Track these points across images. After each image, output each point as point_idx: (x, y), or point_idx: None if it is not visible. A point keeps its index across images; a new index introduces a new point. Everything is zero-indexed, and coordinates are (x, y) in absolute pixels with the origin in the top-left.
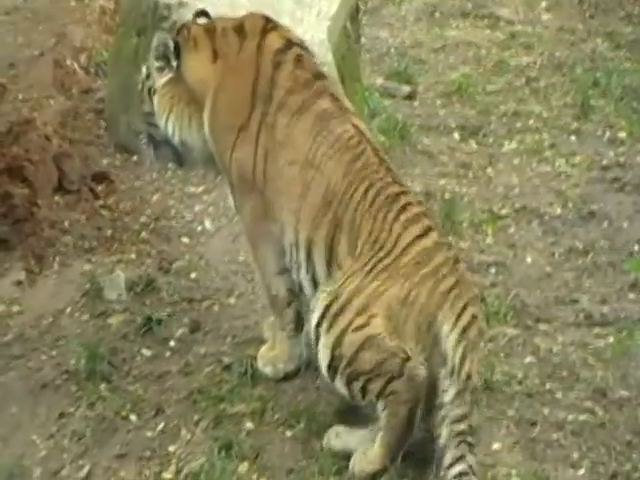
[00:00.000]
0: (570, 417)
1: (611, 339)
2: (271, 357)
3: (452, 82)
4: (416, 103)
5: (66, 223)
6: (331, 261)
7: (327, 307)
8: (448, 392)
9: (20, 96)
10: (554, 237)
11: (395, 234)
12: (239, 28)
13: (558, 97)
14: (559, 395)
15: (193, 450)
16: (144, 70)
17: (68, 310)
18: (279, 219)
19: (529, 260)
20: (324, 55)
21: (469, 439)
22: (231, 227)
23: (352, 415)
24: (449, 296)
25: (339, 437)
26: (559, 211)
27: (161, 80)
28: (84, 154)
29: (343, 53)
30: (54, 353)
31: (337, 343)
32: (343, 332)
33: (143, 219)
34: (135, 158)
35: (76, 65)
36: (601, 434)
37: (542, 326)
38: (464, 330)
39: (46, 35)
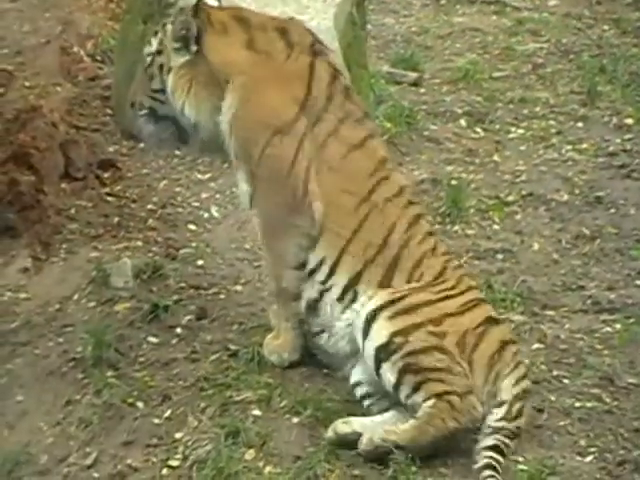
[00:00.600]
0: (577, 404)
1: (618, 326)
2: (276, 346)
3: (458, 69)
4: (422, 90)
5: (72, 210)
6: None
7: (391, 302)
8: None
9: (27, 83)
10: (561, 224)
11: (457, 276)
12: (282, 31)
13: (565, 84)
14: (566, 382)
15: (200, 437)
16: (155, 46)
17: (75, 297)
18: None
19: (536, 247)
20: (330, 42)
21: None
22: (237, 214)
23: (359, 404)
24: (509, 348)
25: (348, 423)
26: (566, 197)
27: (179, 60)
28: (90, 141)
29: (349, 40)
30: (61, 340)
31: (401, 333)
32: (414, 327)
33: (150, 206)
34: (142, 145)
35: (82, 52)
36: (609, 421)
37: (549, 313)
38: (518, 381)
39: (52, 22)
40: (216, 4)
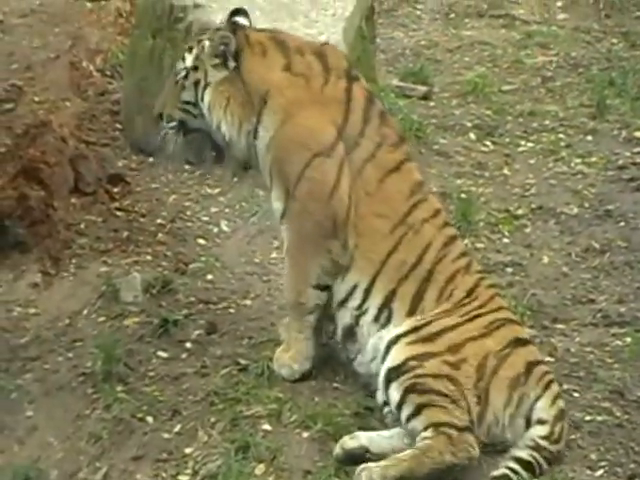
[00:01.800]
0: (588, 417)
1: (628, 339)
2: (287, 358)
3: (468, 82)
4: (432, 103)
5: (82, 225)
6: (412, 310)
7: (415, 328)
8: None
9: (36, 98)
10: (571, 237)
11: (488, 294)
12: (319, 55)
13: (574, 97)
14: (576, 395)
15: (210, 452)
16: (190, 61)
17: (84, 312)
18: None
19: (546, 260)
20: None
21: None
22: (247, 229)
23: (369, 418)
24: (537, 369)
25: (355, 438)
26: (576, 211)
27: (217, 76)
28: (100, 156)
29: (358, 54)
30: (70, 355)
31: (416, 358)
32: (430, 355)
33: (159, 221)
34: (151, 159)
35: (92, 67)
36: (619, 435)
37: (559, 326)
38: (554, 401)
39: (62, 37)
40: (247, 24)
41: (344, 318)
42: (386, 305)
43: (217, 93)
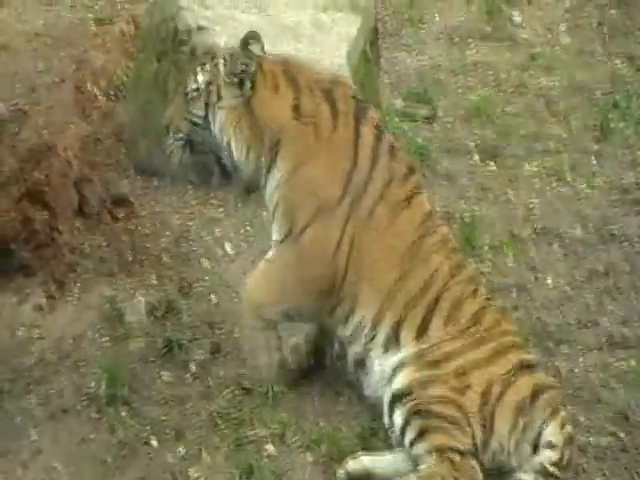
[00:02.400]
0: (592, 440)
1: (633, 362)
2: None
3: (472, 104)
4: (435, 125)
5: (86, 247)
6: (419, 336)
7: (421, 353)
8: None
9: (41, 121)
10: (575, 259)
11: (494, 319)
12: (328, 94)
13: (578, 119)
14: (581, 418)
15: (214, 474)
16: (203, 78)
17: (89, 334)
18: (348, 296)
19: (550, 282)
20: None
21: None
22: (251, 250)
23: (374, 440)
24: (544, 393)
25: (357, 460)
26: (580, 233)
27: (231, 96)
28: (104, 178)
29: (362, 76)
30: (75, 377)
31: (421, 384)
32: (436, 380)
33: (163, 243)
34: (156, 182)
35: (96, 90)
36: (623, 458)
37: (563, 348)
38: (563, 426)
39: (67, 61)
40: (260, 48)
41: (354, 351)
42: (394, 334)
43: (229, 113)
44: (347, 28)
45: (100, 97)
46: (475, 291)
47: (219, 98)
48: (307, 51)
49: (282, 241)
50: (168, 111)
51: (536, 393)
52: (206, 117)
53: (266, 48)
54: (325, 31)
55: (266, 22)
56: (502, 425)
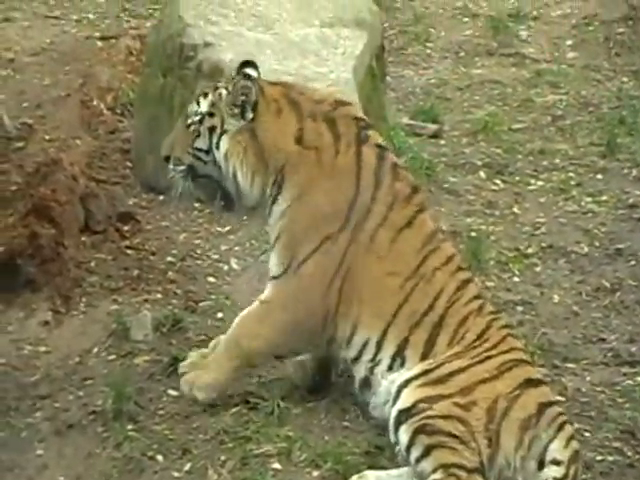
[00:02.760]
0: (599, 457)
1: (639, 378)
2: (207, 382)
3: (478, 120)
4: (442, 142)
5: (92, 263)
6: (425, 355)
7: (426, 371)
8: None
9: (47, 136)
10: (581, 276)
11: (500, 335)
12: (331, 123)
13: (584, 135)
14: (588, 435)
15: None
16: (205, 106)
17: (95, 350)
18: (347, 320)
19: (556, 299)
20: (349, 94)
21: None
22: (257, 267)
23: (380, 457)
24: (550, 410)
25: (363, 477)
26: (586, 249)
27: (235, 125)
28: (110, 194)
29: (368, 92)
30: (81, 393)
31: (426, 400)
32: (441, 397)
33: (169, 259)
34: (162, 198)
35: (102, 105)
36: (630, 475)
37: (570, 365)
38: (568, 442)
39: (73, 76)
40: (255, 75)
41: (359, 371)
42: (399, 353)
43: (234, 142)
44: (353, 44)
45: (106, 112)
46: (481, 308)
47: (223, 129)
48: (313, 67)
49: (280, 276)
50: (167, 141)
51: (542, 409)
52: (210, 150)
53: (273, 65)
54: (331, 47)
55: (272, 38)
56: (508, 441)
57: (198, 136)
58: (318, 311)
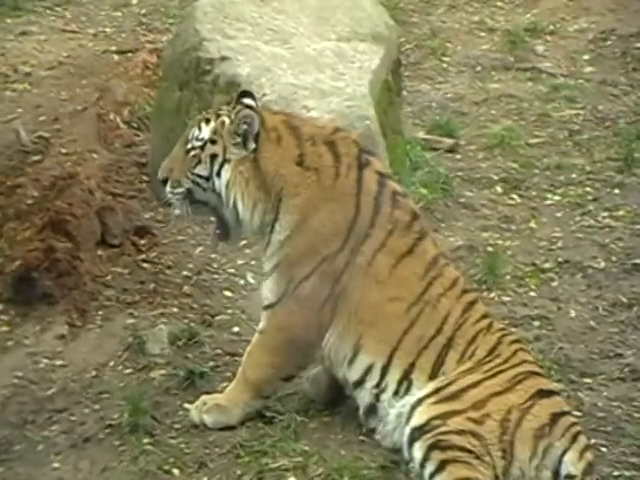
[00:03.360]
0: (616, 473)
1: None
2: (220, 410)
3: (494, 135)
4: (458, 156)
5: (109, 277)
6: (433, 375)
7: (438, 389)
8: None
9: (63, 150)
10: (598, 291)
11: (511, 350)
12: (331, 145)
13: (601, 150)
14: (604, 450)
15: None
16: (207, 133)
17: (111, 364)
18: (347, 345)
19: (573, 314)
20: (366, 109)
21: None
22: None
23: (396, 471)
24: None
25: None
26: (603, 264)
27: (237, 154)
28: (127, 208)
29: (385, 106)
30: (97, 407)
31: (440, 417)
32: (454, 413)
33: (185, 273)
34: (177, 212)
35: (119, 119)
36: None
37: (586, 380)
38: (582, 453)
39: (89, 89)
40: (253, 103)
41: (364, 398)
42: (405, 377)
43: (236, 172)
44: (370, 58)
45: (122, 126)
46: (490, 326)
47: (225, 157)
48: (330, 81)
49: (275, 304)
50: (166, 163)
51: (555, 418)
52: (210, 177)
53: (289, 79)
54: (348, 61)
55: (289, 52)
56: (522, 451)
57: (199, 162)
58: (312, 326)
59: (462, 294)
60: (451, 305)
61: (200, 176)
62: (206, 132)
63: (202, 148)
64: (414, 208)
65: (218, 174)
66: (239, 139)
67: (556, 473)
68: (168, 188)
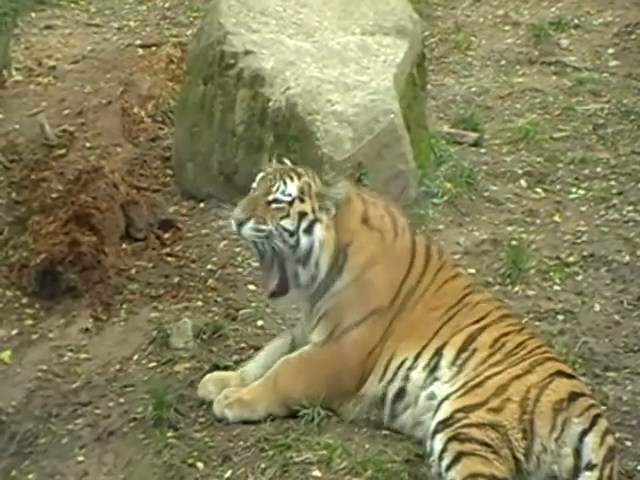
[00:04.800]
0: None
1: None
2: (244, 403)
3: (519, 129)
4: (483, 150)
5: (133, 271)
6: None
7: (463, 384)
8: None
9: (88, 144)
10: (622, 285)
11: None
12: (388, 210)
13: (626, 144)
14: (629, 444)
15: None
16: (294, 190)
17: (135, 357)
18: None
19: (597, 308)
20: (390, 103)
21: None
22: None
23: (420, 464)
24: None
25: None
26: (627, 259)
27: (326, 217)
28: (151, 202)
29: (409, 100)
30: (121, 400)
31: (463, 410)
32: (476, 405)
33: (210, 266)
34: (202, 205)
35: (143, 113)
36: None
37: (611, 374)
38: (603, 438)
39: (113, 83)
40: (289, 164)
41: (394, 386)
42: (436, 353)
43: (328, 233)
44: (394, 52)
45: (146, 120)
46: (520, 329)
47: (315, 216)
48: (354, 75)
49: (321, 342)
50: (245, 205)
51: (573, 396)
52: (295, 233)
53: (314, 73)
54: (372, 55)
55: (313, 46)
56: (541, 426)
57: (286, 216)
58: (355, 374)
59: (501, 307)
60: (489, 310)
61: (285, 229)
62: (293, 189)
63: (290, 204)
64: (456, 270)
65: (306, 232)
66: (329, 204)
67: (577, 453)
68: (251, 224)
